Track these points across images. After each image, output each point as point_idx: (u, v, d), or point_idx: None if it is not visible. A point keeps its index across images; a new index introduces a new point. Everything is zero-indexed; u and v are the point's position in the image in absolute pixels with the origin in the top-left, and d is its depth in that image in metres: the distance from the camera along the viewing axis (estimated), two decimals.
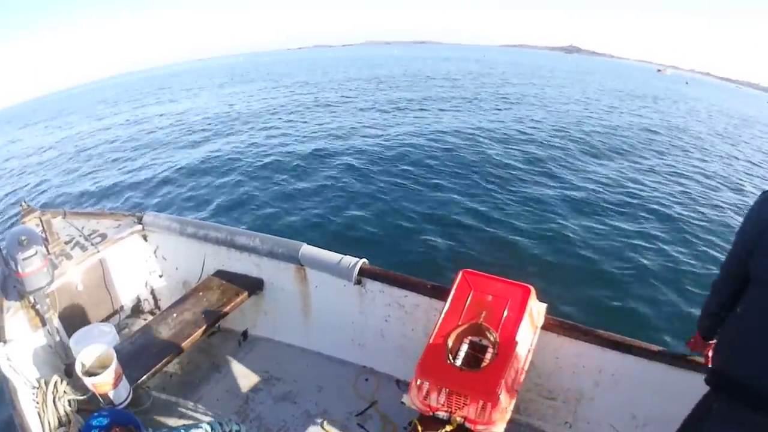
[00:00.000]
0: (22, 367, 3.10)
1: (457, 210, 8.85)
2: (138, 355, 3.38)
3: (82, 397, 3.01)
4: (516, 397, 2.60)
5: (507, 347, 2.50)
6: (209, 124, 18.58)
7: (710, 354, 2.45)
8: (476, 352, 2.60)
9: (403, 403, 2.66)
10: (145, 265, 4.46)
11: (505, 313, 2.63)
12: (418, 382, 2.55)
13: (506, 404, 2.48)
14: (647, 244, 7.83)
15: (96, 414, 2.86)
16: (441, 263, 6.83)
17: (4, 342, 3.10)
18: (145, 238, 4.38)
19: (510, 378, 2.49)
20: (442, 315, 2.73)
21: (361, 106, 20.76)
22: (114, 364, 2.98)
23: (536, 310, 2.81)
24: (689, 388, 2.51)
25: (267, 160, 12.25)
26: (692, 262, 7.43)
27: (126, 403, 3.08)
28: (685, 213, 9.54)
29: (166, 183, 11.18)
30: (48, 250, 3.52)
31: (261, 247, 3.89)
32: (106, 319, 4.14)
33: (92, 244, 3.98)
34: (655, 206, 9.63)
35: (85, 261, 3.89)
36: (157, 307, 4.57)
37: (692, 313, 5.95)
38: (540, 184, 10.37)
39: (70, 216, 4.29)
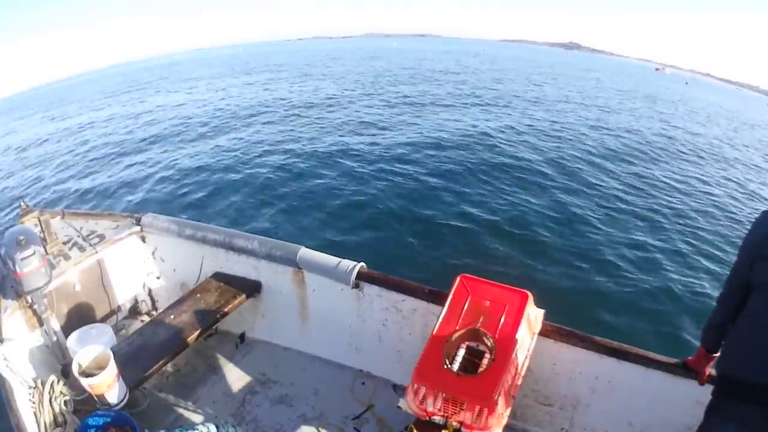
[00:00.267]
0: (18, 367, 3.10)
1: (454, 214, 8.84)
2: (135, 356, 3.38)
3: (78, 398, 3.01)
4: (512, 402, 2.61)
5: (504, 353, 2.50)
6: (209, 118, 18.44)
7: (707, 371, 2.51)
8: (473, 358, 2.60)
9: (399, 407, 2.66)
10: (143, 267, 4.46)
11: (503, 319, 2.64)
12: (415, 387, 2.55)
13: (503, 410, 2.48)
14: (646, 254, 7.83)
15: (92, 415, 2.86)
16: (438, 268, 6.82)
17: (1, 342, 3.10)
18: (143, 239, 4.38)
19: (507, 384, 2.49)
20: (440, 320, 2.73)
21: (360, 103, 20.59)
22: (111, 365, 2.97)
23: (534, 315, 2.82)
24: (686, 396, 2.52)
25: (263, 158, 12.21)
26: (693, 272, 7.43)
27: (122, 404, 3.07)
28: (691, 223, 9.53)
29: (163, 180, 11.13)
30: (46, 251, 3.53)
31: (259, 250, 3.89)
32: (104, 320, 4.14)
33: (90, 245, 3.97)
34: (657, 215, 9.60)
35: (83, 261, 3.89)
36: (155, 308, 4.56)
37: (690, 322, 5.96)
38: (539, 189, 10.35)
39: (68, 216, 4.29)
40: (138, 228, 4.28)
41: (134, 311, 4.49)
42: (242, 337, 4.25)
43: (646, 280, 6.98)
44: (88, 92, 37.71)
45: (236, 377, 3.88)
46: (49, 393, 2.92)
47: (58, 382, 3.02)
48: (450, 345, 2.61)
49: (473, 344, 2.66)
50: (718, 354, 2.37)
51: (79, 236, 4.07)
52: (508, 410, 2.55)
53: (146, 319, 4.37)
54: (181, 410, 3.57)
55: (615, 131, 17.53)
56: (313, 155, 12.33)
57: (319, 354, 4.03)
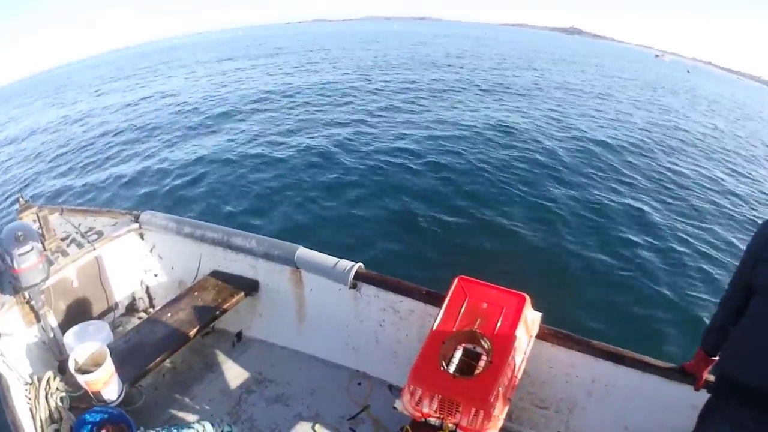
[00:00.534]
0: (15, 363, 3.10)
1: (452, 214, 8.82)
2: (132, 353, 3.38)
3: (74, 395, 3.01)
4: (509, 405, 2.60)
5: (501, 355, 2.50)
6: (210, 105, 18.10)
7: (704, 376, 2.52)
8: (470, 360, 2.60)
9: (395, 408, 2.66)
10: (140, 264, 4.46)
11: (500, 321, 2.64)
12: (411, 388, 2.55)
13: (499, 412, 2.48)
14: (646, 258, 7.80)
15: (88, 412, 2.87)
16: (436, 269, 6.82)
17: None
18: (141, 236, 4.38)
19: (503, 386, 2.49)
20: (437, 321, 2.73)
21: (360, 93, 20.40)
22: (107, 362, 2.98)
23: (531, 318, 2.82)
24: (682, 400, 2.53)
25: (258, 150, 12.16)
26: (694, 277, 7.42)
27: (118, 401, 3.08)
28: (696, 224, 9.48)
29: (163, 174, 11.04)
30: (44, 247, 3.53)
31: (257, 249, 3.89)
32: (101, 317, 4.14)
33: (88, 242, 3.98)
34: (661, 216, 9.54)
35: (81, 258, 3.89)
36: (152, 305, 4.56)
37: (689, 327, 5.96)
38: (539, 189, 10.29)
39: (67, 213, 4.29)
40: (136, 225, 4.28)
41: (131, 308, 4.49)
42: (239, 335, 4.25)
43: (646, 284, 6.96)
44: (88, 79, 37.14)
45: (233, 376, 3.88)
46: (46, 389, 2.93)
47: (55, 378, 3.02)
48: (447, 346, 2.61)
49: (470, 346, 2.66)
50: (716, 358, 2.38)
51: (77, 233, 4.07)
52: (504, 413, 2.55)
53: (143, 316, 4.37)
54: (177, 408, 3.57)
55: (615, 125, 17.32)
56: (310, 148, 12.25)
57: (315, 354, 4.03)
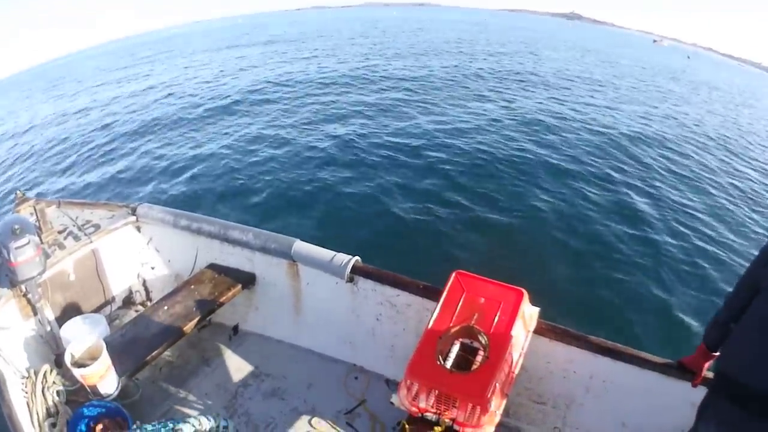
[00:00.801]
0: (12, 357, 3.10)
1: (450, 208, 8.79)
2: (128, 347, 3.38)
3: (71, 388, 3.01)
4: (506, 400, 2.61)
5: (498, 350, 2.50)
6: (213, 97, 17.61)
7: (703, 372, 2.52)
8: (467, 355, 2.61)
9: (392, 403, 2.66)
10: (137, 257, 4.45)
11: (497, 316, 2.63)
12: (408, 383, 2.55)
13: (496, 408, 2.48)
14: (646, 253, 7.79)
15: (85, 405, 2.87)
16: (433, 263, 6.80)
17: None
18: (138, 229, 4.37)
19: (500, 381, 2.49)
20: (434, 316, 2.73)
21: (361, 82, 20.25)
22: (104, 356, 2.97)
23: (528, 313, 2.82)
24: (680, 397, 2.53)
25: (257, 145, 12.10)
26: (694, 270, 7.41)
27: (114, 395, 3.08)
28: (701, 220, 9.43)
29: (165, 172, 10.92)
30: (41, 240, 3.52)
31: (254, 242, 3.89)
32: (98, 310, 4.13)
33: (85, 234, 3.96)
34: (664, 210, 9.51)
35: (77, 251, 3.88)
36: (149, 299, 4.55)
37: (689, 324, 5.97)
38: (538, 184, 10.26)
39: (64, 206, 4.28)
40: (133, 218, 4.27)
41: (128, 301, 4.48)
42: (236, 329, 4.24)
43: (646, 280, 6.95)
44: (90, 70, 36.57)
45: (229, 369, 3.88)
46: (42, 383, 2.92)
47: (51, 372, 3.02)
48: (444, 341, 2.61)
49: (467, 341, 2.66)
50: (717, 354, 2.37)
51: (74, 225, 4.06)
52: (501, 408, 2.55)
53: (140, 309, 4.36)
54: (173, 402, 3.57)
55: (611, 114, 17.19)
56: (309, 141, 12.21)
57: (312, 347, 4.02)
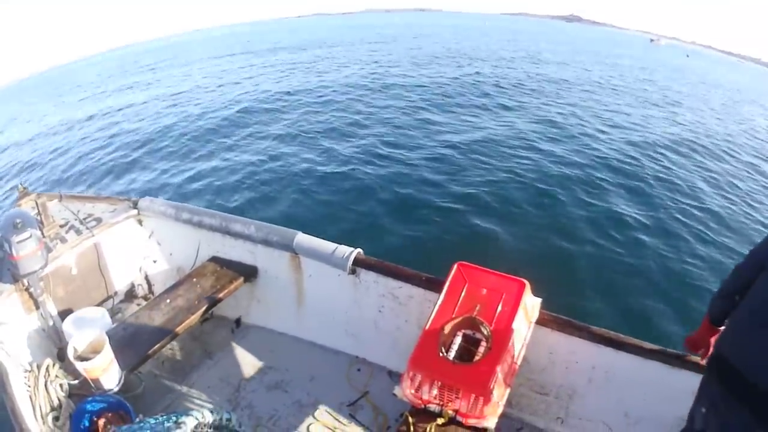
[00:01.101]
0: (14, 351, 3.10)
1: (452, 200, 8.78)
2: (131, 340, 3.38)
3: (74, 382, 3.01)
4: (508, 391, 2.61)
5: (500, 341, 2.50)
6: (222, 107, 16.66)
7: (710, 348, 2.44)
8: (469, 346, 2.61)
9: (395, 394, 2.67)
10: (139, 250, 4.45)
11: (500, 307, 2.63)
12: (411, 374, 2.55)
13: (498, 398, 2.48)
14: (649, 246, 7.77)
15: (88, 399, 2.87)
16: (436, 255, 6.79)
17: None
18: (140, 222, 4.36)
19: (503, 372, 2.49)
20: (436, 307, 2.73)
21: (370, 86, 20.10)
22: (106, 350, 2.97)
23: (531, 304, 2.82)
24: (682, 387, 2.52)
25: (260, 144, 12.07)
26: (696, 262, 7.38)
27: (117, 388, 3.08)
28: (709, 211, 9.38)
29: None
30: (43, 234, 3.51)
31: (256, 235, 3.88)
32: (100, 304, 4.12)
33: (87, 228, 3.96)
34: (667, 201, 9.47)
35: (79, 245, 3.88)
36: (151, 292, 4.56)
37: (692, 314, 5.94)
38: (540, 177, 10.24)
39: (66, 199, 4.27)
40: (135, 211, 4.26)
41: (130, 295, 4.48)
42: (238, 322, 4.25)
43: (648, 270, 6.92)
44: (95, 77, 36.16)
45: (232, 362, 3.88)
46: (45, 377, 2.93)
47: (54, 365, 3.02)
48: (446, 333, 2.61)
49: (470, 332, 2.67)
50: (723, 328, 2.29)
51: (76, 219, 4.05)
52: (504, 399, 2.56)
53: (142, 303, 4.36)
54: (176, 395, 3.58)
55: (614, 113, 17.19)
56: (310, 139, 12.21)
57: (314, 340, 4.03)
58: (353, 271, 3.54)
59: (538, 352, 3.08)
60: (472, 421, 2.46)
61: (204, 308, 3.69)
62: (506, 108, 15.70)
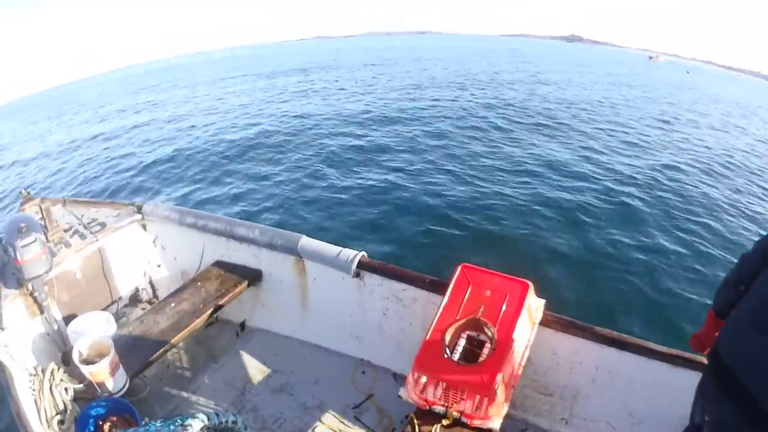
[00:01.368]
0: (19, 355, 3.10)
1: (455, 202, 8.81)
2: (135, 344, 3.38)
3: (79, 386, 3.01)
4: (513, 392, 2.61)
5: (504, 342, 2.51)
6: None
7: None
8: (474, 347, 2.61)
9: (399, 396, 2.67)
10: (143, 255, 4.46)
11: (504, 309, 2.64)
12: (415, 376, 2.56)
13: (503, 399, 2.49)
14: (650, 246, 7.76)
15: (93, 403, 2.87)
16: (440, 257, 6.80)
17: (2, 329, 3.10)
18: (144, 227, 4.37)
19: (507, 373, 2.49)
20: (440, 309, 2.73)
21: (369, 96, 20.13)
22: (111, 353, 2.98)
23: (534, 305, 2.82)
24: (686, 386, 2.51)
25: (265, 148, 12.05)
26: (701, 267, 7.36)
27: (123, 392, 3.09)
28: (705, 214, 9.37)
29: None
30: (47, 238, 3.52)
31: (260, 239, 3.89)
32: (104, 308, 4.13)
33: (91, 233, 3.97)
34: (668, 206, 9.48)
35: (83, 249, 3.88)
36: (156, 296, 4.56)
37: (695, 313, 5.93)
38: (542, 178, 10.28)
39: (69, 204, 4.29)
40: (139, 216, 4.27)
41: (135, 299, 4.49)
42: (243, 325, 4.25)
43: (651, 270, 6.93)
44: (96, 97, 35.85)
45: (236, 366, 3.89)
46: (50, 381, 2.93)
47: (59, 369, 3.02)
48: (450, 334, 2.61)
49: (474, 334, 2.67)
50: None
51: (80, 224, 4.06)
52: (508, 400, 2.56)
53: (147, 307, 4.36)
54: (181, 398, 3.59)
55: (613, 118, 17.26)
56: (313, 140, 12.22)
57: (319, 343, 4.03)
58: (357, 274, 3.54)
59: (542, 353, 3.08)
60: (476, 422, 2.46)
61: (209, 312, 3.69)
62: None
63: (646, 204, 9.34)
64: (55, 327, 3.53)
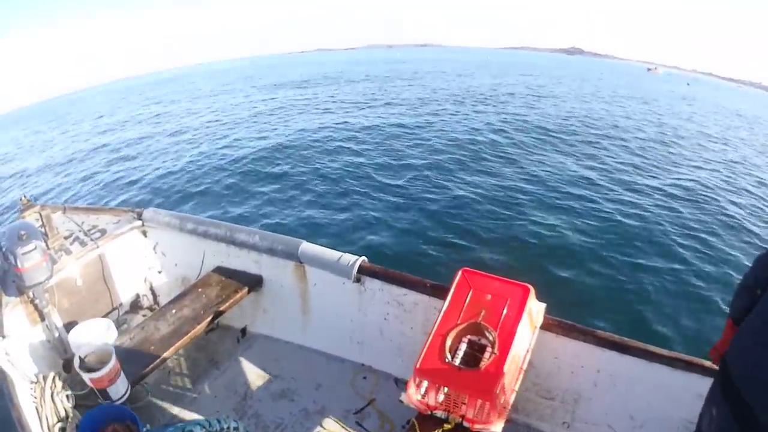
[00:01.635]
0: (20, 362, 3.10)
1: (456, 207, 8.83)
2: (136, 351, 3.38)
3: (80, 393, 3.01)
4: (514, 396, 2.61)
5: (506, 346, 2.50)
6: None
7: None
8: (475, 351, 2.61)
9: (401, 401, 2.66)
10: (144, 261, 4.46)
11: (505, 313, 2.64)
12: (417, 381, 2.56)
13: (504, 404, 2.49)
14: (649, 249, 7.78)
15: (94, 410, 2.87)
16: (440, 261, 6.81)
17: (3, 337, 3.10)
18: (144, 233, 4.37)
19: (508, 377, 2.49)
20: (441, 314, 2.73)
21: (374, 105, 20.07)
22: (112, 360, 2.98)
23: (535, 309, 2.82)
24: (687, 390, 2.52)
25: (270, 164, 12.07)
26: (703, 264, 7.38)
27: (124, 398, 3.08)
28: (708, 219, 9.42)
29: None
30: (47, 245, 3.51)
31: (260, 244, 3.89)
32: (105, 315, 4.13)
33: (92, 240, 3.97)
34: (665, 208, 9.53)
35: (84, 256, 3.88)
36: (156, 303, 4.56)
37: (698, 317, 5.93)
38: (543, 183, 10.32)
39: (69, 211, 4.29)
40: (139, 222, 4.28)
41: (136, 306, 4.49)
42: (243, 331, 4.25)
43: (652, 273, 6.94)
44: (100, 107, 35.82)
45: (237, 372, 3.88)
46: (51, 388, 2.92)
47: (60, 377, 3.02)
48: (452, 339, 2.61)
49: (475, 338, 2.67)
50: None
51: (80, 231, 4.07)
52: (510, 404, 2.55)
53: (148, 313, 4.36)
54: (182, 405, 3.58)
55: (617, 128, 17.33)
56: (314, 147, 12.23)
57: (320, 348, 4.03)
58: (358, 279, 3.54)
59: (544, 356, 3.07)
60: (478, 427, 2.45)
61: (209, 318, 3.68)
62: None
63: (650, 212, 9.36)
64: (56, 334, 3.53)
